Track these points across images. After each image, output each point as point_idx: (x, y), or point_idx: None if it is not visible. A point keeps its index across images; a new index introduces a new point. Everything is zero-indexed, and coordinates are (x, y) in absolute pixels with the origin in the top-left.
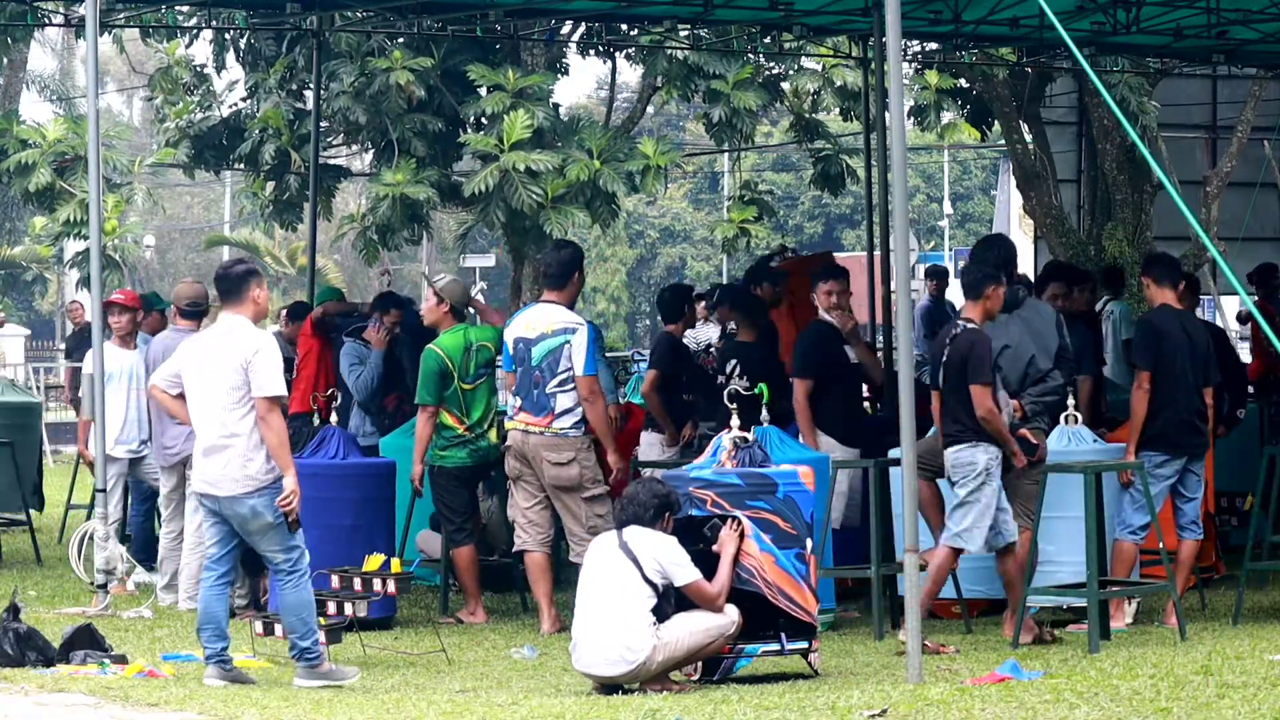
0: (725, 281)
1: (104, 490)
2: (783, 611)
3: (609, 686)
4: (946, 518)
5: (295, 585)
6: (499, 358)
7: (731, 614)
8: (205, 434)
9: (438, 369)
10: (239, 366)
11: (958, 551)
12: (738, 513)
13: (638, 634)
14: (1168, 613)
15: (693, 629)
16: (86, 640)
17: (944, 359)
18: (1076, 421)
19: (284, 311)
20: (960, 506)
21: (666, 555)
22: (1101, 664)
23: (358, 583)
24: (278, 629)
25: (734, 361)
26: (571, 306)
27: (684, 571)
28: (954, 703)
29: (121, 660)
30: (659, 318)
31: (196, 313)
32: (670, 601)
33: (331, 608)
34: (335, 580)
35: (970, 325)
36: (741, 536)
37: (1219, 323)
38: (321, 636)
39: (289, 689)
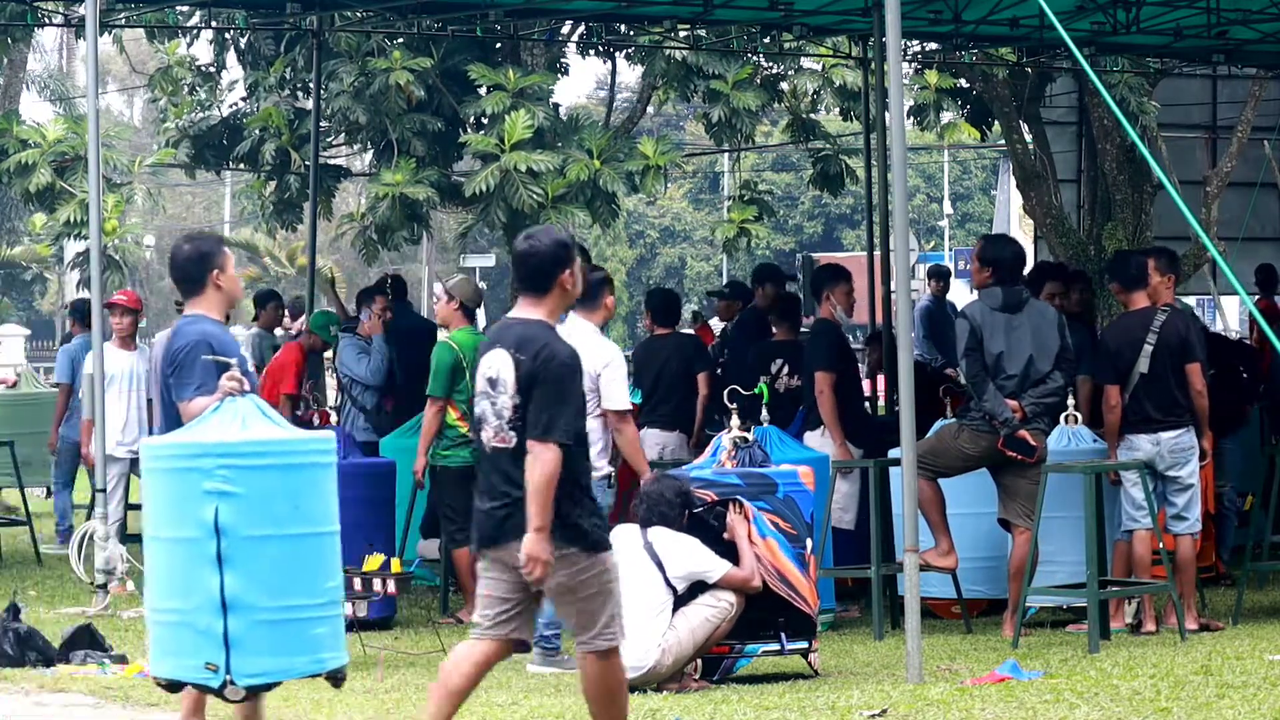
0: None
1: (104, 490)
2: (783, 605)
3: None
4: (1166, 504)
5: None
6: None
7: (729, 596)
8: None
9: (451, 363)
10: (590, 374)
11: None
12: (736, 495)
13: (647, 642)
14: (1167, 612)
15: (694, 625)
16: (86, 640)
17: (1150, 344)
18: (1076, 422)
19: (271, 305)
20: (1184, 490)
21: (696, 562)
22: (1101, 664)
23: (358, 583)
24: None
25: (780, 360)
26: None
27: (715, 570)
28: (954, 703)
29: (121, 660)
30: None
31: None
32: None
33: None
34: None
35: (1174, 308)
36: (746, 517)
37: (1219, 323)
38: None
39: (289, 689)
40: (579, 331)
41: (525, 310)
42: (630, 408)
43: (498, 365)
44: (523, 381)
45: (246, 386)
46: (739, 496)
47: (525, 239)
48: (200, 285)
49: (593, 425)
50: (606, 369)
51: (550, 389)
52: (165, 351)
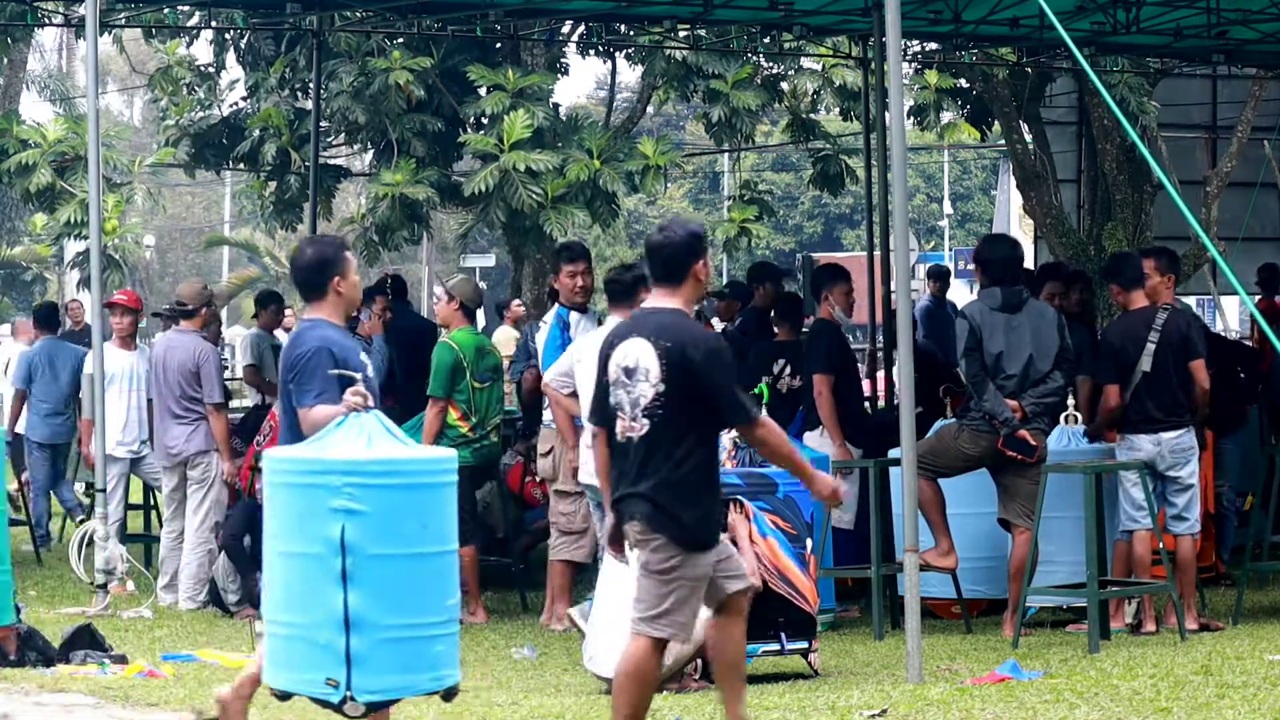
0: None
1: (104, 490)
2: (784, 605)
3: None
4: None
5: None
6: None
7: None
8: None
9: (451, 362)
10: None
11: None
12: (736, 495)
13: None
14: (1167, 612)
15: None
16: (86, 640)
17: (1153, 343)
18: (1076, 422)
19: (272, 306)
20: (1184, 490)
21: None
22: (1101, 664)
23: None
24: None
25: (782, 361)
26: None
27: None
28: (954, 703)
29: (121, 660)
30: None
31: (192, 313)
32: None
33: None
34: None
35: (1174, 307)
36: (746, 516)
37: (1219, 323)
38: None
39: None
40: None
41: (661, 300)
42: None
43: (636, 353)
44: (670, 369)
45: (371, 402)
46: (739, 496)
47: (659, 231)
48: (321, 291)
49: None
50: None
51: (718, 379)
52: (285, 356)
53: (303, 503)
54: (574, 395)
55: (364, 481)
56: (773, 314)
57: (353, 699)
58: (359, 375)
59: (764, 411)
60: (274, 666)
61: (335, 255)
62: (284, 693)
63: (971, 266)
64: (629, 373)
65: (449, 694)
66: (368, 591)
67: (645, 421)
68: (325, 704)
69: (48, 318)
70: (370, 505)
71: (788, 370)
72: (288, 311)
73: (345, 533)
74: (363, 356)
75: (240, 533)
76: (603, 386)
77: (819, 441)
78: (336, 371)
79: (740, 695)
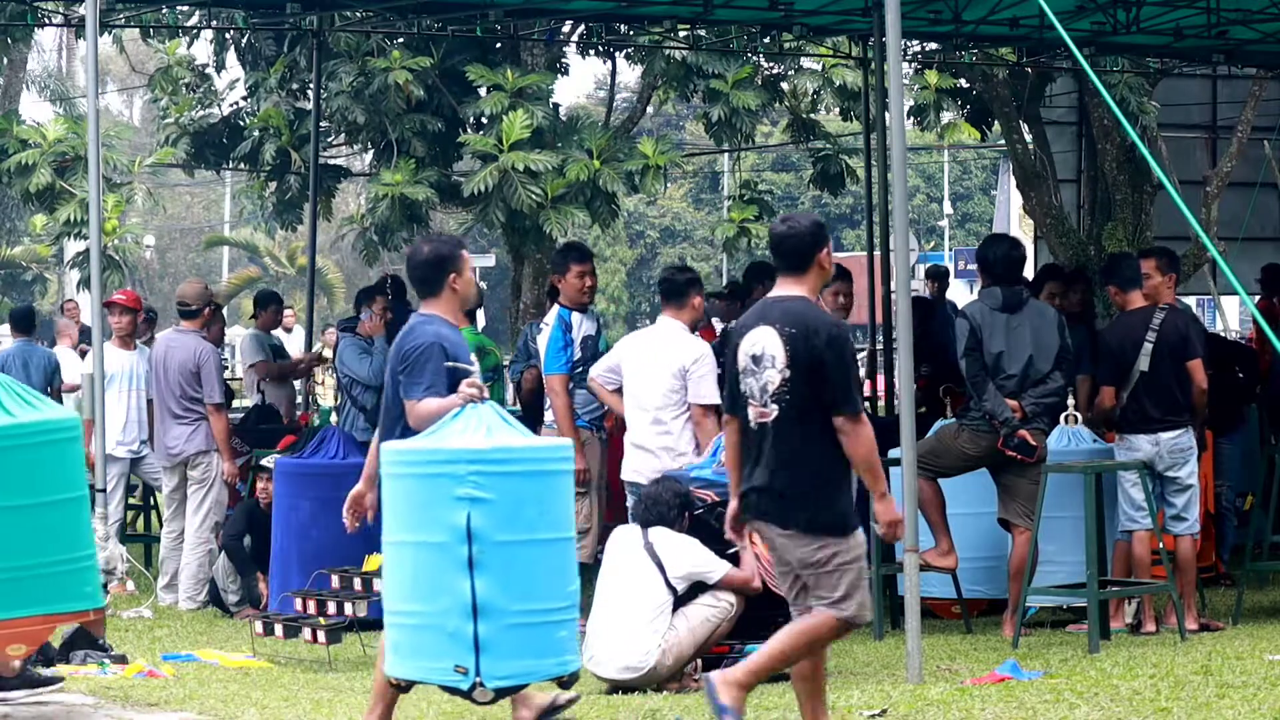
0: (726, 282)
1: (104, 490)
2: (784, 605)
3: (619, 686)
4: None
5: None
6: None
7: (729, 596)
8: (636, 428)
9: None
10: (679, 370)
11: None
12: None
13: (648, 643)
14: (1167, 612)
15: (694, 625)
16: (86, 640)
17: (1150, 343)
18: (1076, 422)
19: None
20: (1183, 491)
21: (696, 563)
22: (1101, 664)
23: (358, 583)
24: (278, 629)
25: None
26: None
27: (716, 571)
28: (954, 703)
29: (121, 660)
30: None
31: (194, 313)
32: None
33: (331, 608)
34: (335, 580)
35: (1173, 307)
36: None
37: (1219, 323)
38: (322, 637)
39: (289, 689)
40: (668, 329)
41: (786, 288)
42: (716, 403)
43: (763, 342)
44: (794, 356)
45: (486, 394)
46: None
47: (783, 221)
48: (437, 287)
49: (679, 421)
50: (695, 364)
51: (838, 364)
52: (396, 348)
53: (427, 493)
54: (618, 391)
55: (488, 469)
56: None
57: (482, 685)
58: (474, 368)
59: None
60: (398, 656)
61: (453, 253)
62: (408, 682)
63: (973, 266)
64: (756, 360)
65: (572, 679)
66: (494, 578)
67: (774, 407)
68: (454, 691)
69: (21, 320)
70: (494, 493)
71: None
72: (287, 312)
73: (471, 520)
74: (472, 355)
75: (240, 533)
76: (733, 375)
77: None
78: (451, 364)
79: (818, 700)
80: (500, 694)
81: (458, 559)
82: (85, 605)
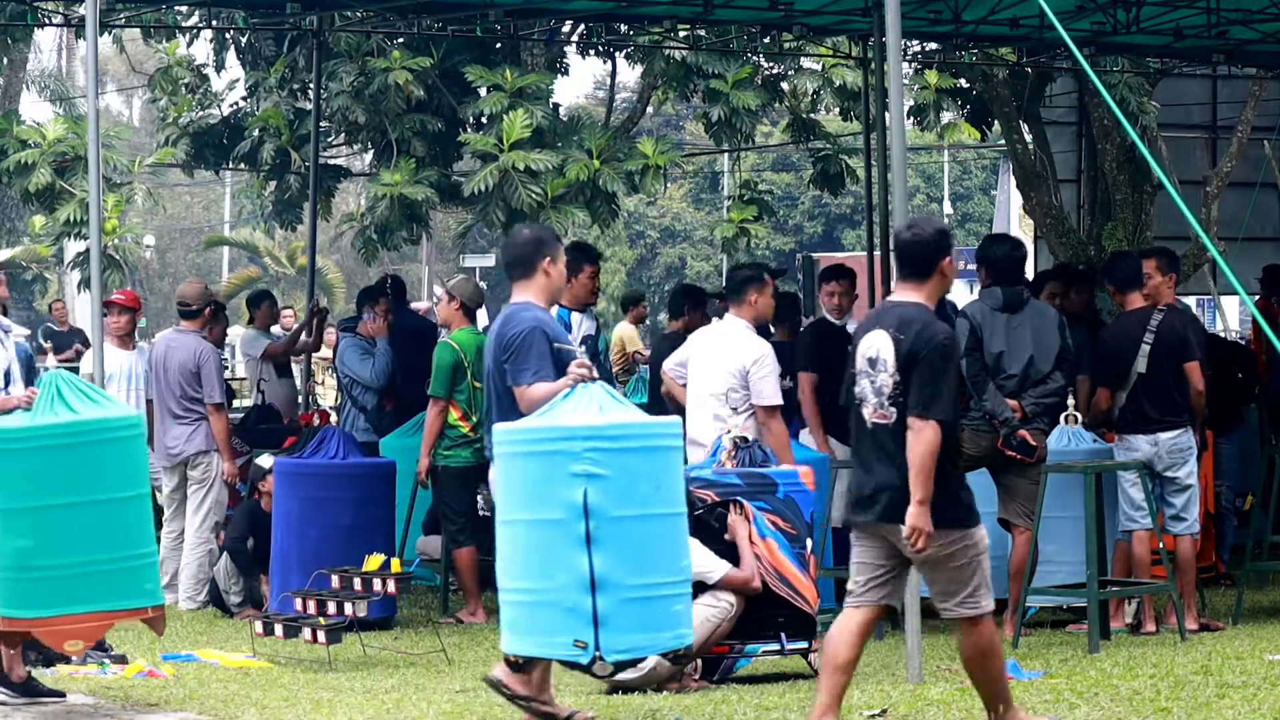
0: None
1: None
2: (783, 604)
3: (619, 687)
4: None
5: None
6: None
7: (729, 596)
8: (695, 424)
9: (452, 362)
10: (738, 370)
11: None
12: (736, 495)
13: None
14: (1167, 612)
15: (693, 625)
16: None
17: (1148, 344)
18: (1076, 422)
19: (265, 304)
20: (1182, 491)
21: (696, 563)
22: (1101, 664)
23: (358, 583)
24: (278, 629)
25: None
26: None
27: (716, 571)
28: (954, 703)
29: (121, 660)
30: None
31: (194, 313)
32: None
33: (331, 608)
34: (335, 580)
35: (1172, 307)
36: (746, 518)
37: (1219, 323)
38: (322, 637)
39: (289, 689)
40: (730, 327)
41: (905, 294)
42: (777, 403)
43: (878, 345)
44: (902, 360)
45: (595, 373)
46: (739, 497)
47: (908, 228)
48: (531, 269)
49: (739, 419)
50: (755, 365)
51: (930, 368)
52: (498, 337)
53: (543, 470)
54: (683, 386)
55: (604, 446)
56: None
57: (601, 659)
58: (581, 349)
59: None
60: (516, 633)
61: (550, 238)
62: (525, 658)
63: (972, 266)
64: (872, 363)
65: (685, 654)
66: (611, 553)
67: (893, 410)
68: (573, 665)
69: None
70: (610, 469)
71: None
72: (286, 311)
73: (588, 496)
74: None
75: (243, 535)
76: (850, 375)
77: (810, 440)
78: (559, 345)
79: (835, 692)
80: (619, 667)
81: (575, 535)
82: (145, 602)
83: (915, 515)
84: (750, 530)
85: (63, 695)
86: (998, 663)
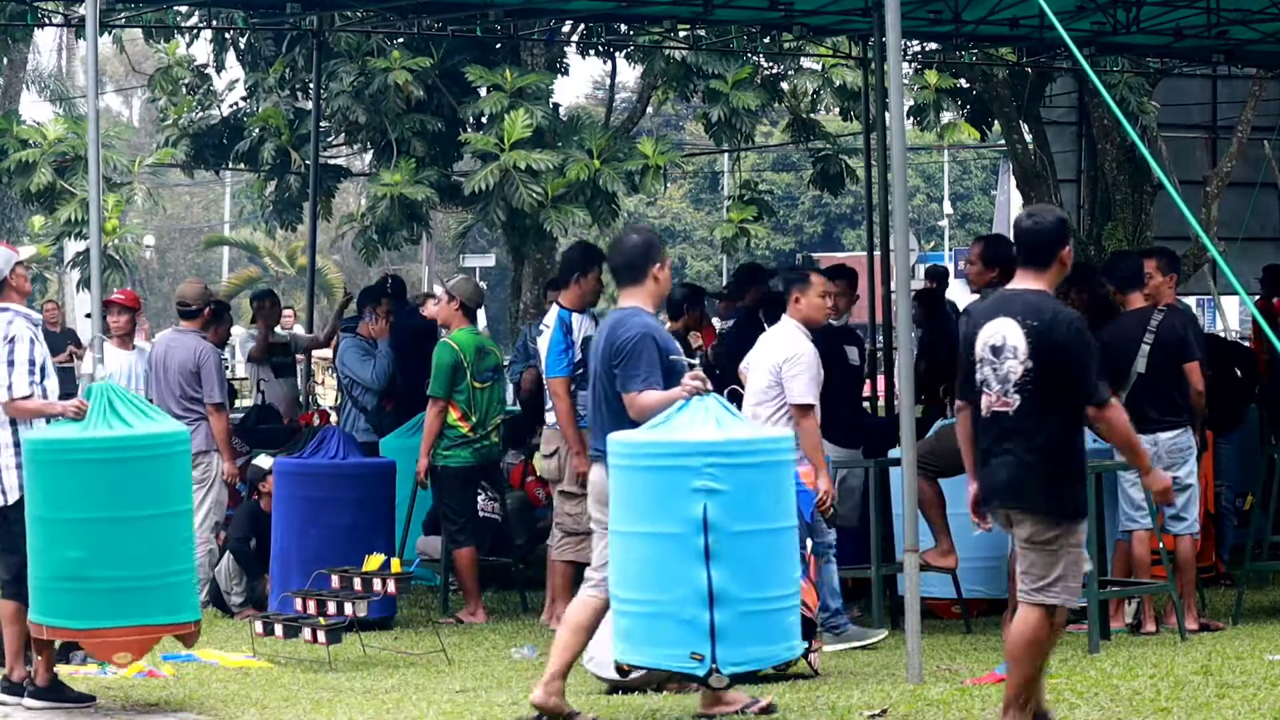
0: (726, 282)
1: None
2: None
3: (620, 687)
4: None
5: (828, 561)
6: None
7: None
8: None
9: (451, 362)
10: (774, 368)
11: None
12: None
13: None
14: (1167, 612)
15: None
16: None
17: (1148, 344)
18: None
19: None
20: (1182, 491)
21: None
22: (1101, 664)
23: (358, 583)
24: (278, 629)
25: None
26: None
27: None
28: (954, 703)
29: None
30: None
31: (193, 313)
32: None
33: (331, 608)
34: (335, 580)
35: (1172, 307)
36: None
37: (1219, 323)
38: (322, 637)
39: (289, 689)
40: (780, 326)
41: (1026, 282)
42: (813, 403)
43: (1004, 332)
44: (1036, 348)
45: (710, 385)
46: None
47: (1028, 217)
48: (641, 275)
49: (776, 418)
50: (787, 363)
51: (1080, 357)
52: (608, 341)
53: (663, 484)
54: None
55: (724, 461)
56: (760, 314)
57: (718, 671)
58: (696, 361)
59: None
60: (629, 643)
61: (659, 243)
62: (634, 667)
63: (971, 267)
64: (996, 351)
65: (790, 666)
66: (729, 567)
67: (1017, 397)
68: (688, 676)
69: None
70: (729, 484)
71: None
72: (286, 312)
73: (707, 511)
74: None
75: (245, 536)
76: (969, 364)
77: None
78: (673, 357)
79: (1020, 684)
80: (734, 680)
81: (694, 549)
82: (189, 617)
83: (1153, 480)
84: None
85: (93, 700)
86: (1039, 660)
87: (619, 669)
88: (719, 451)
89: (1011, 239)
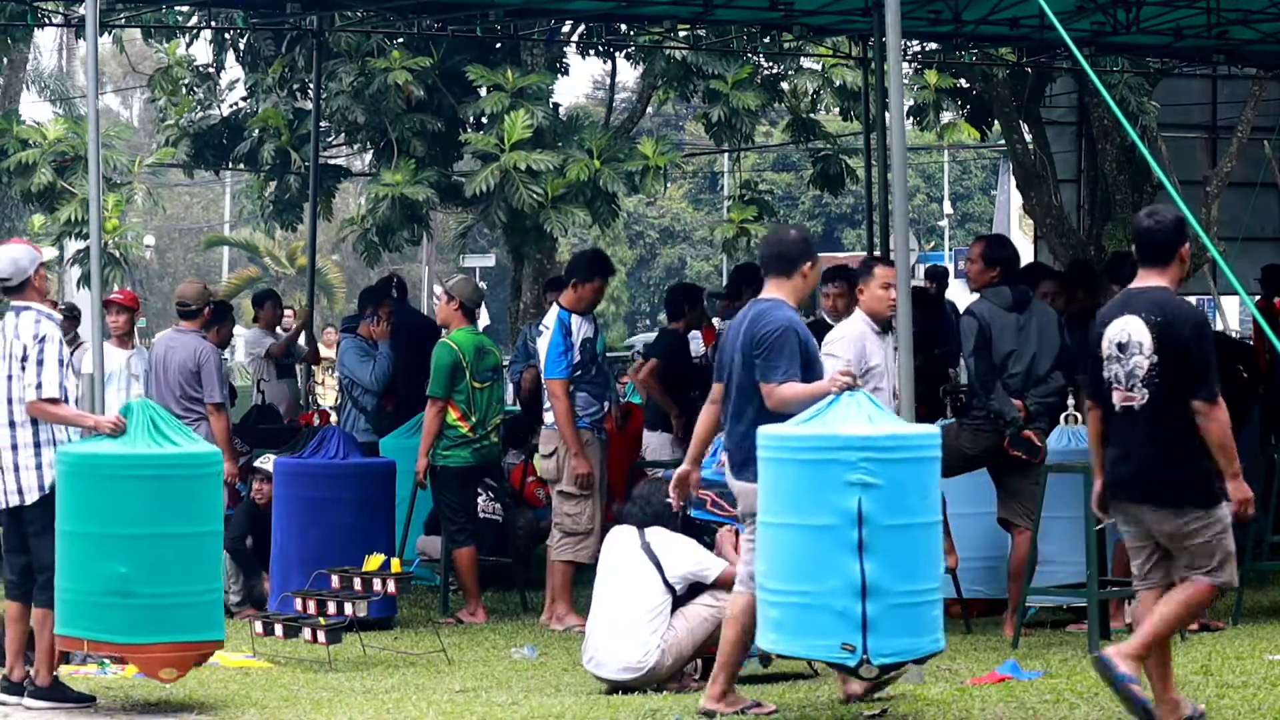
0: (726, 282)
1: None
2: None
3: (619, 687)
4: None
5: None
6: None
7: (727, 595)
8: None
9: (450, 362)
10: (825, 355)
11: None
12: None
13: (648, 643)
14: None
15: (693, 625)
16: None
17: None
18: (1076, 422)
19: (269, 304)
20: None
21: (694, 562)
22: None
23: (358, 583)
24: (278, 629)
25: None
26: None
27: (713, 568)
28: (954, 703)
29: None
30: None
31: (193, 313)
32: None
33: (331, 608)
34: (335, 580)
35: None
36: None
37: (1219, 323)
38: (322, 637)
39: (289, 689)
40: (850, 319)
41: (1149, 280)
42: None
43: (1130, 329)
44: (1161, 343)
45: (859, 382)
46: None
47: (1149, 216)
48: (792, 270)
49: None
50: (826, 344)
51: (1200, 353)
52: (748, 333)
53: (816, 478)
54: None
55: (878, 456)
56: None
57: (868, 662)
58: (847, 358)
59: None
60: (780, 633)
61: (814, 242)
62: (781, 656)
63: (972, 266)
64: (1122, 347)
65: (927, 659)
66: (881, 560)
67: (1145, 391)
68: (838, 667)
69: None
70: (883, 478)
71: None
72: (287, 312)
73: (862, 505)
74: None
75: (243, 535)
76: (1097, 361)
77: None
78: (828, 354)
79: (1168, 670)
80: (883, 670)
81: (847, 542)
82: (219, 636)
83: (1235, 489)
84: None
85: (93, 700)
86: (1185, 619)
87: (763, 658)
88: (874, 446)
89: (1010, 239)
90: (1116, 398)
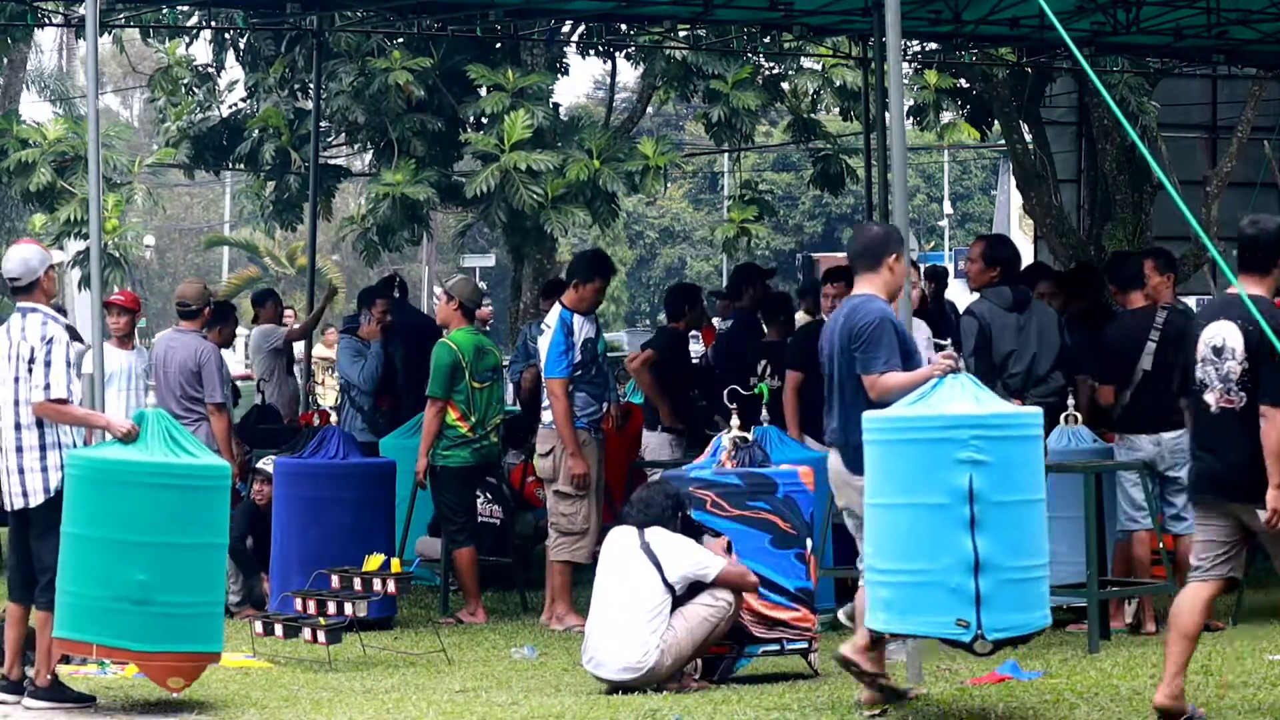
0: (726, 282)
1: None
2: (782, 623)
3: (619, 687)
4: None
5: None
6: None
7: (726, 595)
8: None
9: (450, 362)
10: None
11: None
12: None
13: (648, 643)
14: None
15: (692, 625)
16: None
17: (1154, 342)
18: (1076, 421)
19: (270, 304)
20: (1184, 491)
21: (694, 562)
22: (1101, 664)
23: (358, 583)
24: (278, 629)
25: (764, 361)
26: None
27: (713, 567)
28: (954, 703)
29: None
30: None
31: (193, 313)
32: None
33: (331, 608)
34: (335, 580)
35: (1174, 307)
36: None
37: None
38: (322, 637)
39: (289, 689)
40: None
41: (1246, 287)
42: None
43: (1224, 334)
44: (1252, 349)
45: (962, 365)
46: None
47: (1251, 224)
48: (878, 264)
49: None
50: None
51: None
52: (845, 326)
53: (928, 457)
54: None
55: (988, 434)
56: (759, 314)
57: (983, 637)
58: (948, 342)
59: (764, 411)
60: (893, 612)
61: (898, 237)
62: (895, 636)
63: (972, 266)
64: (1217, 351)
65: (1033, 637)
66: (992, 536)
67: (1243, 395)
68: (953, 643)
69: None
70: (992, 456)
71: (769, 370)
72: (287, 312)
73: (973, 482)
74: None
75: (242, 534)
76: (1190, 362)
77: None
78: (930, 339)
79: (1182, 660)
80: (997, 645)
81: (959, 519)
82: (219, 648)
83: (1276, 498)
84: (733, 557)
85: (93, 700)
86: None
87: (875, 638)
88: (983, 424)
89: (1011, 239)
90: (1213, 398)
